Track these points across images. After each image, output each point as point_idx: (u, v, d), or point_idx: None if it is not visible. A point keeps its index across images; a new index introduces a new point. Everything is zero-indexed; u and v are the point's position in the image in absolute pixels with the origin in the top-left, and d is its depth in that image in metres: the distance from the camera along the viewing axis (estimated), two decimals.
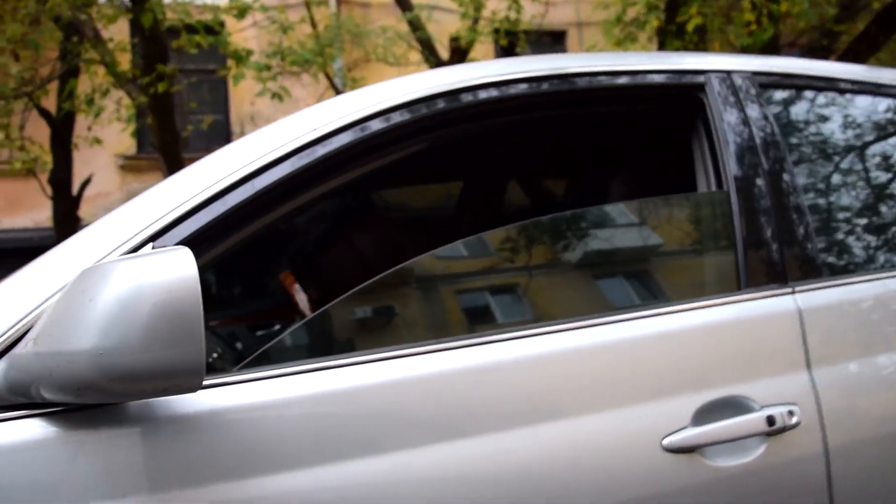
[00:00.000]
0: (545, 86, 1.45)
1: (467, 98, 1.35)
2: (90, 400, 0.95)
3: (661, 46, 6.52)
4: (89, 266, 0.99)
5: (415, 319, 1.36)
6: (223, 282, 2.50)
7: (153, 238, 1.11)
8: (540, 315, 1.39)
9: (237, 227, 1.24)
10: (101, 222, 1.16)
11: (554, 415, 1.15)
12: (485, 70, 1.42)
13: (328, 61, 6.56)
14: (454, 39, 7.09)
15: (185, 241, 1.13)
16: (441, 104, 1.33)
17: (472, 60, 6.86)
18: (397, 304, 1.34)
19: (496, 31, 7.24)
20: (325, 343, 1.32)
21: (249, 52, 5.74)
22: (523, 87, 1.42)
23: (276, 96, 5.96)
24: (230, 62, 5.84)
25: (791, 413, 1.23)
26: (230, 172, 1.20)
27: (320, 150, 1.25)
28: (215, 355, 2.00)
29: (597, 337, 1.23)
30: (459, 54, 6.98)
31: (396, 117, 1.31)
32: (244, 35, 6.40)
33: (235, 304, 2.51)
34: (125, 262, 0.93)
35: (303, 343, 1.35)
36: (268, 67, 5.88)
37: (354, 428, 1.08)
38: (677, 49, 6.23)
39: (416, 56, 7.35)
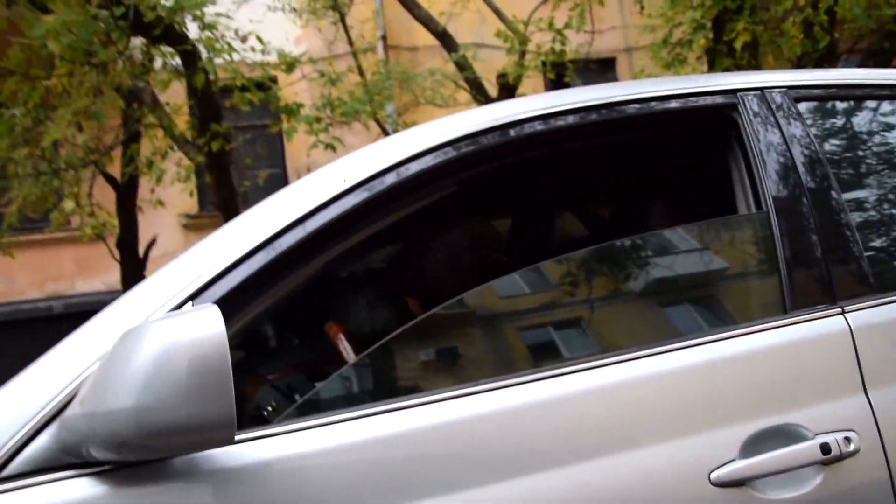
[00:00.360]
0: (576, 118, 1.44)
1: (495, 138, 1.36)
2: (131, 457, 0.99)
3: (711, 66, 6.44)
4: (129, 328, 1.02)
5: (459, 358, 1.36)
6: (281, 334, 2.55)
7: (194, 296, 1.15)
8: (582, 348, 1.37)
9: (278, 279, 1.27)
10: (146, 284, 1.20)
11: (597, 451, 1.13)
12: (511, 108, 1.43)
13: (377, 108, 6.68)
14: (501, 76, 7.14)
15: (225, 296, 1.16)
16: (468, 145, 1.34)
17: (521, 95, 6.89)
18: (441, 345, 1.35)
19: (543, 64, 7.28)
20: (365, 389, 1.33)
21: (300, 106, 5.90)
22: (556, 121, 1.42)
23: (330, 147, 6.09)
24: (283, 116, 6.02)
25: (848, 440, 1.18)
26: (268, 225, 1.23)
27: (357, 197, 1.28)
28: (270, 408, 2.04)
29: (639, 370, 1.20)
30: (508, 90, 7.02)
31: (430, 160, 1.33)
32: (294, 89, 6.59)
33: (294, 355, 2.55)
34: (157, 323, 0.98)
35: (341, 391, 1.37)
36: (318, 119, 6.02)
37: (404, 473, 1.08)
38: (727, 67, 6.15)
39: (464, 95, 7.42)
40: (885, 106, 1.65)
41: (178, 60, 5.08)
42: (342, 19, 7.09)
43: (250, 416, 1.68)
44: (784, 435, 1.18)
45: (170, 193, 6.61)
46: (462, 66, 6.92)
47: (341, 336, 1.62)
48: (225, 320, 1.17)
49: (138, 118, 5.84)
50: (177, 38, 4.81)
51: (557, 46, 7.14)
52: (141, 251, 6.97)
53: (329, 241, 1.30)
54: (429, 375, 1.34)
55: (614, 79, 10.24)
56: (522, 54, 6.96)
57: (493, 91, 7.33)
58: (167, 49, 4.99)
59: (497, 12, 7.56)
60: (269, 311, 2.14)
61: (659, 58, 7.17)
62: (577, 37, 7.39)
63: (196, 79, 4.85)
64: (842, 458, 1.17)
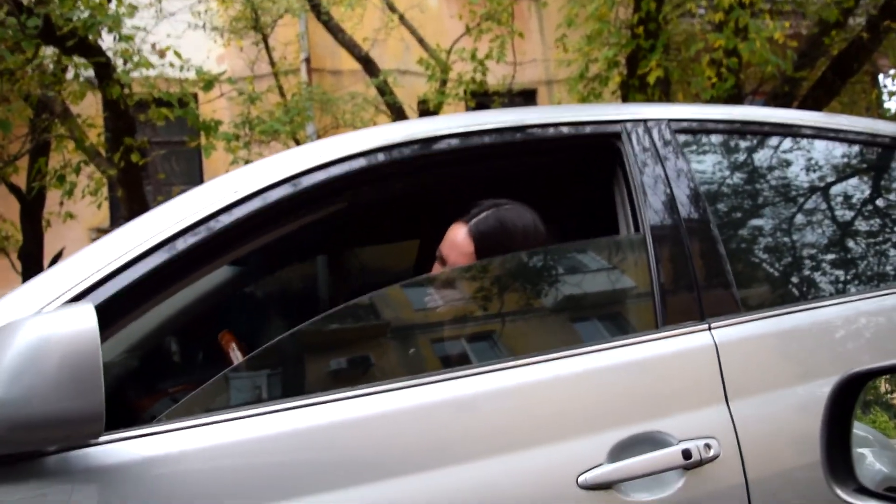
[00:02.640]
0: (480, 140, 1.51)
1: (385, 157, 1.42)
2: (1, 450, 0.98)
3: (625, 100, 6.70)
4: (4, 324, 1.02)
5: (333, 365, 1.39)
6: (187, 348, 2.53)
7: (80, 297, 1.15)
8: (458, 358, 1.42)
9: (168, 284, 1.28)
10: (30, 284, 1.20)
11: (470, 456, 1.17)
12: (400, 131, 1.48)
13: (298, 129, 6.68)
14: (422, 102, 7.25)
15: (110, 299, 1.16)
16: (357, 162, 1.39)
17: None
18: (318, 353, 1.38)
19: (464, 92, 7.42)
20: (243, 392, 1.35)
21: (218, 123, 5.84)
22: (442, 144, 1.48)
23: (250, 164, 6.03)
24: (201, 133, 5.95)
25: (708, 446, 1.26)
26: (159, 231, 1.25)
27: (249, 207, 1.31)
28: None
29: (513, 379, 1.26)
30: (428, 116, 7.12)
31: (322, 175, 1.38)
32: (213, 106, 6.51)
33: (197, 369, 2.52)
34: (31, 319, 0.99)
35: (221, 394, 1.38)
36: (236, 137, 5.98)
37: (276, 474, 1.11)
38: (640, 102, 6.41)
39: (385, 120, 7.49)
40: (759, 142, 1.78)
41: (91, 72, 4.97)
42: (265, 40, 7.08)
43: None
44: (650, 441, 1.25)
45: (80, 206, 6.42)
46: (383, 91, 7.00)
47: (233, 345, 1.63)
48: (117, 319, 1.18)
49: (47, 128, 5.67)
50: (91, 50, 4.71)
51: (478, 76, 7.30)
52: (46, 264, 6.73)
53: (220, 249, 1.32)
54: (304, 381, 1.37)
55: None
56: (443, 82, 7.08)
57: (413, 116, 7.43)
58: (80, 60, 4.88)
59: (420, 40, 7.70)
60: (172, 322, 2.14)
61: (576, 91, 7.41)
62: (500, 68, 7.58)
63: (111, 91, 4.76)
64: (702, 463, 1.25)
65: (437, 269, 1.67)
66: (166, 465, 1.09)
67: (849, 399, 1.07)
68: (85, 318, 0.97)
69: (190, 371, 2.44)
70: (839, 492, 1.01)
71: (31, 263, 6.62)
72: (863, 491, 1.01)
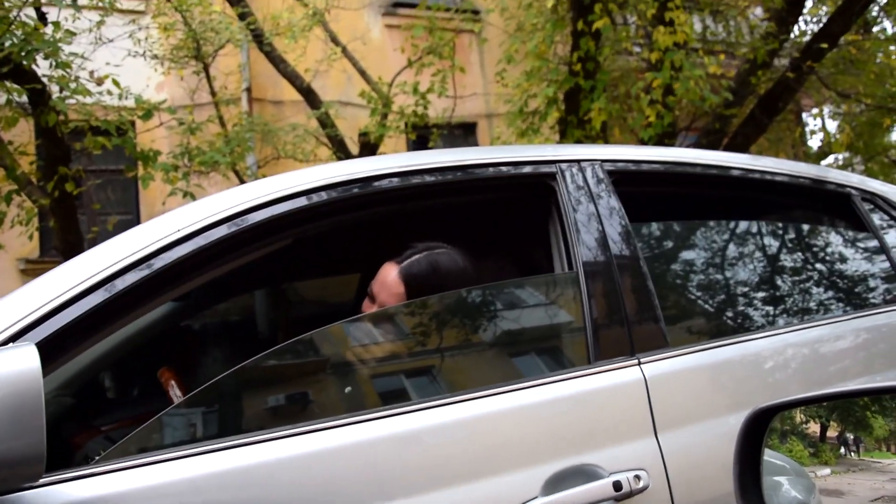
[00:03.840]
0: (419, 179, 1.55)
1: (326, 196, 1.45)
2: None
3: (563, 136, 6.87)
4: None
5: (272, 403, 1.40)
6: (122, 385, 2.48)
7: (18, 335, 1.14)
8: (397, 394, 1.44)
9: (109, 322, 1.28)
10: None
11: (409, 491, 1.20)
12: (349, 168, 1.52)
13: (238, 159, 6.64)
14: (363, 134, 7.29)
15: (51, 337, 1.16)
16: (300, 200, 1.42)
17: (382, 153, 7.06)
18: (258, 390, 1.39)
19: (405, 125, 7.50)
20: (173, 430, 1.35)
21: (157, 153, 5.77)
22: (396, 181, 1.52)
23: (189, 195, 5.98)
24: (139, 163, 5.87)
25: (638, 477, 1.31)
26: (101, 268, 1.25)
27: (192, 245, 1.32)
28: (98, 458, 1.98)
29: (446, 415, 1.29)
30: (369, 149, 7.17)
31: (266, 213, 1.40)
32: (152, 135, 6.43)
33: (134, 406, 2.48)
34: None
35: (160, 433, 1.37)
36: (175, 168, 5.92)
37: None
38: (578, 138, 6.57)
39: (325, 151, 7.50)
40: (689, 182, 1.87)
41: (25, 98, 4.87)
42: (206, 70, 7.04)
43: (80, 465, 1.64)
44: (582, 474, 1.29)
45: (8, 237, 6.22)
46: (324, 122, 7.02)
47: (173, 382, 1.62)
48: (55, 359, 1.17)
49: None
50: (26, 76, 4.62)
51: (420, 110, 7.39)
52: None
53: (168, 285, 1.32)
54: (245, 419, 1.38)
55: (475, 143, 10.64)
56: (385, 115, 7.14)
57: (354, 148, 7.46)
58: (13, 86, 4.77)
59: (362, 73, 7.76)
60: (107, 357, 2.11)
61: (515, 125, 7.57)
62: (441, 101, 7.70)
63: (46, 118, 4.67)
64: (632, 494, 1.29)
65: (367, 305, 1.72)
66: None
67: (758, 432, 1.13)
68: (27, 359, 0.97)
69: (125, 407, 2.40)
70: None
71: None
72: None
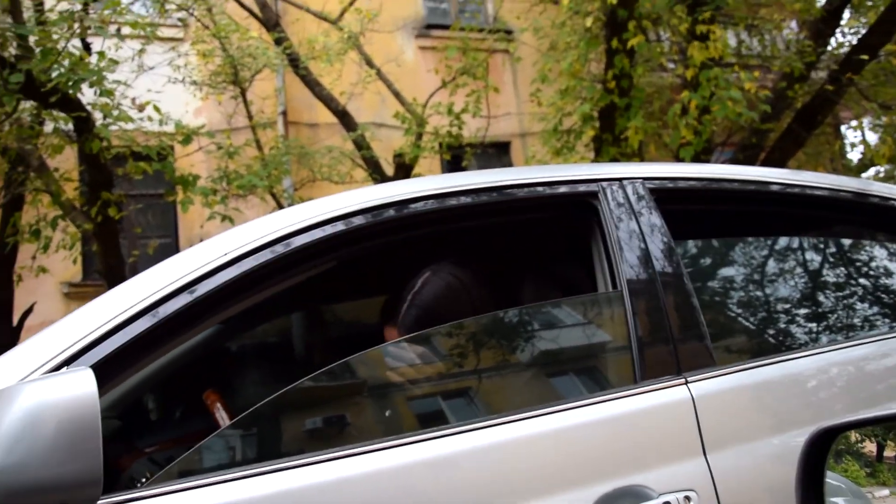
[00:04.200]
0: (458, 200, 1.56)
1: (369, 219, 1.46)
2: None
3: (598, 153, 6.85)
4: (1, 389, 1.04)
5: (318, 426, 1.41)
6: (162, 402, 2.51)
7: (72, 359, 1.17)
8: (437, 417, 1.43)
9: (159, 346, 1.30)
10: (23, 346, 1.21)
11: None
12: (385, 191, 1.53)
13: (275, 182, 6.73)
14: (398, 155, 7.34)
15: (103, 361, 1.18)
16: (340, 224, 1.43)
17: (417, 175, 7.09)
18: (305, 413, 1.39)
19: (440, 145, 7.54)
20: (234, 454, 1.36)
21: (196, 178, 5.88)
22: (432, 203, 1.53)
23: (228, 218, 6.07)
24: (178, 187, 5.98)
25: (688, 498, 1.28)
26: (150, 293, 1.27)
27: (239, 269, 1.34)
28: (144, 480, 2.00)
29: (494, 437, 1.28)
30: (404, 170, 7.21)
31: (311, 236, 1.41)
32: (191, 160, 6.55)
33: (177, 428, 2.51)
34: (29, 385, 1.00)
35: (211, 457, 1.38)
36: (214, 192, 6.01)
37: None
38: (614, 156, 6.54)
39: (361, 173, 7.56)
40: (730, 198, 1.85)
41: (70, 125, 5.00)
42: (243, 94, 7.16)
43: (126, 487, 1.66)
44: (631, 495, 1.27)
45: (52, 261, 6.37)
46: (360, 144, 7.09)
47: (219, 405, 1.63)
48: (102, 384, 1.19)
49: (22, 182, 5.67)
50: (72, 104, 4.75)
51: (454, 130, 7.43)
52: (15, 320, 6.64)
53: (211, 310, 1.34)
54: (295, 441, 1.38)
55: (509, 162, 10.65)
56: (419, 136, 7.19)
57: (389, 170, 7.51)
58: (59, 114, 4.91)
59: (396, 94, 7.82)
60: (150, 379, 2.14)
61: (550, 144, 7.56)
62: (474, 121, 7.73)
63: (90, 145, 4.79)
64: None
65: None
66: None
67: (821, 452, 1.10)
68: (84, 383, 0.99)
69: (168, 430, 2.42)
70: None
71: (2, 318, 6.53)
72: None
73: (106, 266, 5.59)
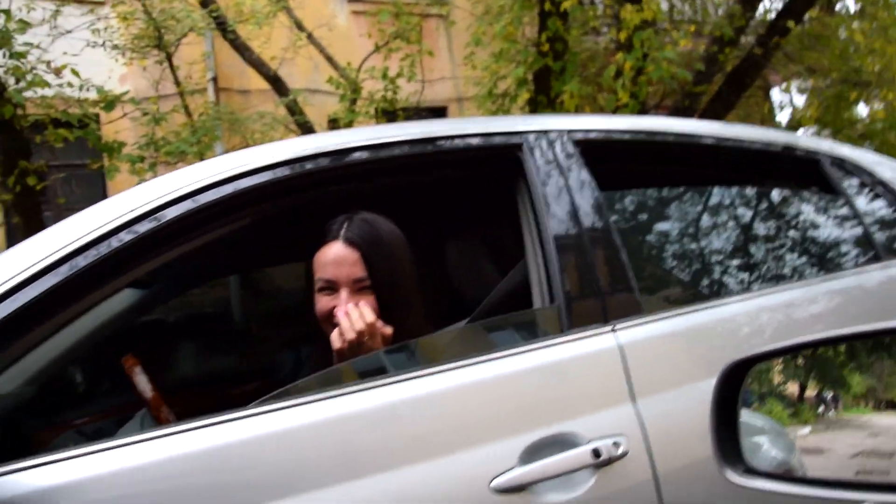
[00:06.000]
0: (389, 151, 1.51)
1: (282, 173, 1.40)
2: None
3: None
4: None
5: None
6: (91, 380, 2.43)
7: None
8: (372, 369, 1.41)
9: (67, 305, 1.23)
10: None
11: (379, 467, 1.17)
12: (307, 144, 1.48)
13: (205, 149, 6.53)
14: (332, 121, 7.21)
15: (5, 321, 1.11)
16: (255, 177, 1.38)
17: None
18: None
19: (375, 110, 7.43)
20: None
21: (122, 145, 5.66)
22: (363, 154, 1.48)
23: None
24: (104, 155, 5.75)
25: (616, 444, 1.29)
26: (53, 251, 1.20)
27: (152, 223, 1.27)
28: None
29: (425, 387, 1.26)
30: None
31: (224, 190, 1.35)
32: (116, 126, 6.30)
33: (103, 399, 2.43)
34: None
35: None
36: (141, 159, 5.81)
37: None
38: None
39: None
40: (660, 151, 1.85)
41: None
42: (169, 59, 6.91)
43: None
44: (560, 442, 1.27)
45: None
46: (293, 110, 6.94)
47: (137, 369, 1.57)
48: (3, 347, 1.12)
49: None
50: None
51: (389, 94, 7.33)
52: None
53: (119, 268, 1.27)
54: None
55: None
56: (354, 101, 7.07)
57: None
58: None
59: (329, 59, 7.67)
60: (74, 350, 2.06)
61: (485, 108, 7.53)
62: (410, 85, 7.63)
63: (2, 111, 4.55)
64: (611, 461, 1.27)
65: (328, 300, 1.57)
66: (69, 497, 1.04)
67: (734, 385, 1.11)
68: None
69: (95, 400, 2.35)
70: (729, 474, 1.05)
71: None
72: (751, 472, 1.06)
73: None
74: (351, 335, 1.46)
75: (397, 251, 1.58)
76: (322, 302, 1.57)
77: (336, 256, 1.56)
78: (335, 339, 1.48)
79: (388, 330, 1.50)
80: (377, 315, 1.51)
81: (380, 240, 1.56)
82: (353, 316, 1.48)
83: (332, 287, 1.56)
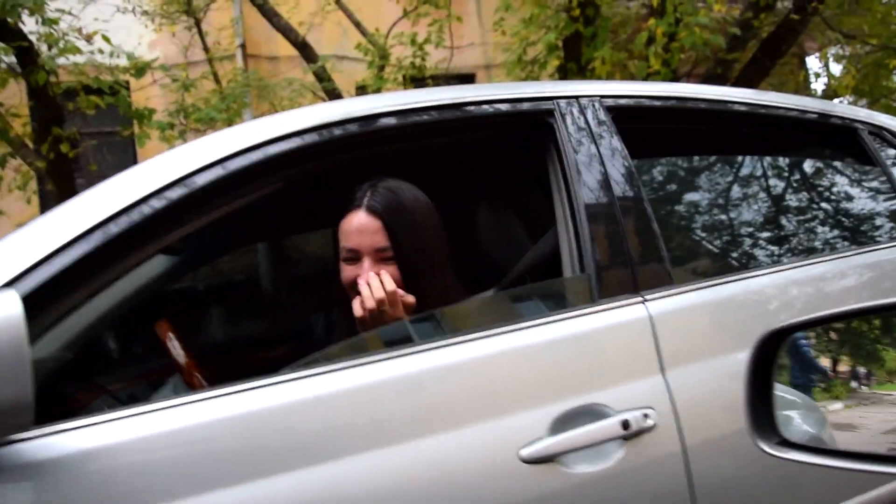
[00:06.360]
0: (397, 119, 1.50)
1: (311, 139, 1.40)
2: None
3: None
4: None
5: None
6: (127, 344, 2.47)
7: (10, 283, 1.11)
8: (400, 338, 1.41)
9: (103, 271, 1.24)
10: None
11: (413, 435, 1.17)
12: (332, 109, 1.47)
13: (234, 116, 6.55)
14: (360, 88, 7.18)
15: (41, 286, 1.12)
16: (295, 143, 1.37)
17: None
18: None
19: (403, 77, 7.38)
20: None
21: (152, 112, 5.70)
22: (391, 120, 1.47)
23: None
24: (134, 122, 5.79)
25: (646, 416, 1.29)
26: (87, 219, 1.21)
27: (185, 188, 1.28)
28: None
29: (453, 356, 1.26)
30: None
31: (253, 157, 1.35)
32: (146, 93, 6.34)
33: (138, 364, 2.48)
34: None
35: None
36: (171, 126, 5.84)
37: (200, 465, 1.10)
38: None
39: None
40: (693, 118, 1.81)
41: (13, 58, 4.78)
42: (197, 25, 6.91)
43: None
44: (589, 413, 1.27)
45: (8, 202, 6.19)
46: (321, 76, 6.92)
47: (170, 335, 1.59)
48: (41, 312, 1.14)
49: None
50: (11, 34, 4.52)
51: (417, 61, 7.27)
52: None
53: (152, 234, 1.28)
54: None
55: None
56: (382, 67, 7.03)
57: None
58: (0, 45, 4.68)
59: (357, 25, 7.62)
60: (108, 316, 2.09)
61: (514, 75, 7.44)
62: (438, 52, 7.57)
63: (35, 78, 4.58)
64: (640, 433, 1.27)
65: (352, 270, 1.57)
66: (106, 458, 1.06)
67: (769, 355, 1.10)
68: (8, 305, 0.93)
69: (129, 366, 2.39)
70: (762, 445, 1.05)
71: None
72: (785, 444, 1.05)
73: None
74: (371, 304, 1.47)
75: (421, 219, 1.57)
76: (346, 271, 1.58)
77: (359, 225, 1.56)
78: (357, 308, 1.50)
79: (410, 298, 1.51)
80: (400, 283, 1.52)
81: (403, 208, 1.55)
82: (374, 284, 1.49)
83: (355, 256, 1.57)
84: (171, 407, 1.12)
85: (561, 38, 6.62)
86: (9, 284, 1.10)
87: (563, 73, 6.72)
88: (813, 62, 11.09)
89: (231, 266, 2.59)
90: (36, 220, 1.23)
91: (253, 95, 7.34)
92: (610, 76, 6.86)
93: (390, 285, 1.49)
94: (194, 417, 1.12)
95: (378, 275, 1.50)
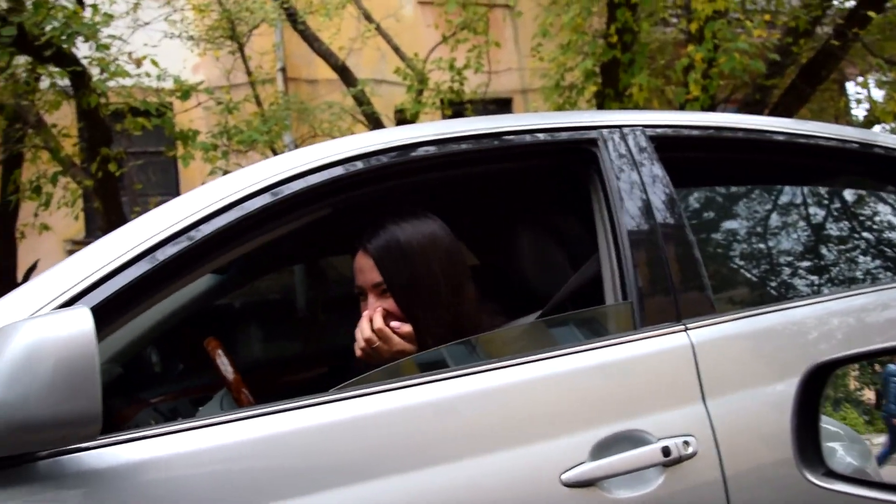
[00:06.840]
0: (456, 146, 1.53)
1: (357, 166, 1.44)
2: None
3: (601, 109, 6.76)
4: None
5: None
6: (168, 359, 2.53)
7: (71, 302, 1.17)
8: (440, 362, 1.44)
9: (159, 289, 1.30)
10: (23, 288, 1.21)
11: (452, 457, 1.20)
12: (378, 138, 1.51)
13: (275, 138, 6.68)
14: (399, 111, 7.27)
15: (100, 304, 1.18)
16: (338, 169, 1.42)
17: None
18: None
19: (441, 101, 7.47)
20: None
21: (196, 133, 5.84)
22: (431, 149, 1.51)
23: (228, 174, 6.02)
24: (178, 143, 5.94)
25: (687, 443, 1.29)
26: (144, 241, 1.26)
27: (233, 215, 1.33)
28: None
29: (492, 381, 1.29)
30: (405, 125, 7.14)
31: (308, 181, 1.40)
32: (190, 115, 6.49)
33: (181, 379, 2.53)
34: (27, 322, 1.01)
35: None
36: (214, 147, 5.97)
37: (245, 482, 1.13)
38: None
39: (362, 129, 7.51)
40: (733, 147, 1.82)
41: (66, 81, 4.94)
42: (241, 50, 7.08)
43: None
44: (630, 439, 1.28)
45: (55, 218, 6.36)
46: (360, 100, 7.02)
47: (220, 352, 1.64)
48: (102, 327, 1.19)
49: (20, 139, 5.63)
50: (66, 59, 4.69)
51: (456, 86, 7.35)
52: (19, 277, 6.65)
53: (208, 255, 1.33)
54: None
55: None
56: (420, 92, 7.11)
57: (390, 126, 7.44)
58: (55, 69, 4.85)
59: (396, 49, 7.73)
60: (153, 331, 2.15)
61: (552, 100, 7.48)
62: (475, 76, 7.64)
63: (87, 100, 4.74)
64: (681, 460, 1.28)
65: (363, 305, 1.65)
66: (159, 470, 1.10)
67: (816, 388, 1.11)
68: (82, 321, 0.99)
69: (172, 383, 2.45)
70: (809, 476, 1.05)
71: (5, 275, 6.55)
72: (831, 475, 1.06)
73: (108, 223, 5.58)
74: (361, 344, 1.56)
75: (419, 252, 1.61)
76: (362, 306, 1.66)
77: (358, 265, 1.65)
78: (356, 348, 1.59)
79: (406, 328, 1.57)
80: (400, 314, 1.58)
81: (396, 244, 1.61)
82: (363, 325, 1.58)
83: (360, 292, 1.66)
84: (221, 423, 1.16)
85: (598, 65, 6.65)
86: (77, 298, 1.15)
87: (601, 99, 6.73)
88: (853, 88, 10.93)
89: (269, 285, 2.64)
90: (100, 239, 1.29)
91: (293, 118, 7.47)
92: (647, 102, 6.87)
93: (378, 323, 1.56)
94: (244, 434, 1.16)
95: (374, 311, 1.58)
